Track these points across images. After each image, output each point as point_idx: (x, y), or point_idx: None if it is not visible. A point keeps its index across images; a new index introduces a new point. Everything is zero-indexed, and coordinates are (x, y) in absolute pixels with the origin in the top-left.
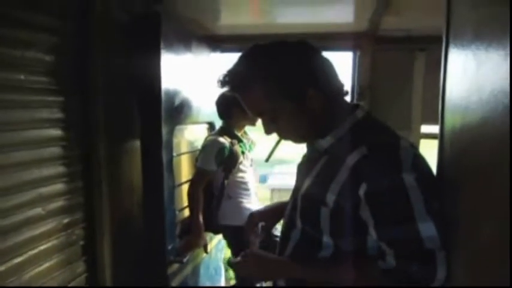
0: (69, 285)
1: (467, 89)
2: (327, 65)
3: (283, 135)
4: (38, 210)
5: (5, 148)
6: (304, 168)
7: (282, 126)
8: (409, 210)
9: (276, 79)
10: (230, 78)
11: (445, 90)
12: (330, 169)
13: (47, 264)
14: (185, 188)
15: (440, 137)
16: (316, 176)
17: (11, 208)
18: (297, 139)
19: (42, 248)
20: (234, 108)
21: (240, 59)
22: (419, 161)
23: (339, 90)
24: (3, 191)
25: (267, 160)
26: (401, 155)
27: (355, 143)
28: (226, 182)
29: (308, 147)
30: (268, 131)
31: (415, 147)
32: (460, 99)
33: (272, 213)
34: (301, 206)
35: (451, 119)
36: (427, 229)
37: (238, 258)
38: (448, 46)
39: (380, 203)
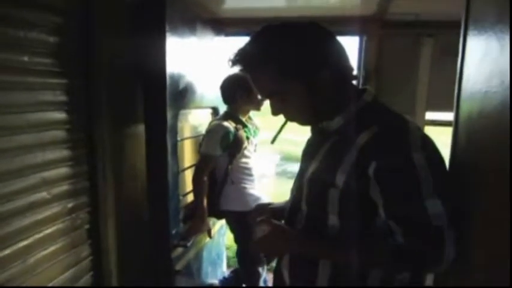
0: (74, 268)
1: (488, 73)
2: (338, 47)
3: (290, 117)
4: (42, 194)
5: (8, 131)
6: (309, 152)
7: (290, 107)
8: (417, 188)
9: (287, 59)
10: (241, 58)
11: (462, 76)
12: (339, 150)
13: (52, 248)
14: (188, 173)
15: (455, 122)
16: (324, 157)
17: (16, 192)
18: (304, 121)
19: (47, 231)
20: (238, 92)
21: (252, 38)
22: (428, 142)
23: (349, 73)
24: (7, 175)
25: (272, 142)
26: (410, 135)
27: (365, 123)
28: (230, 167)
29: (313, 131)
30: (275, 112)
31: (422, 130)
32: (479, 83)
33: (280, 212)
34: (307, 189)
35: (468, 104)
36: (434, 206)
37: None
38: (467, 30)
39: (389, 181)
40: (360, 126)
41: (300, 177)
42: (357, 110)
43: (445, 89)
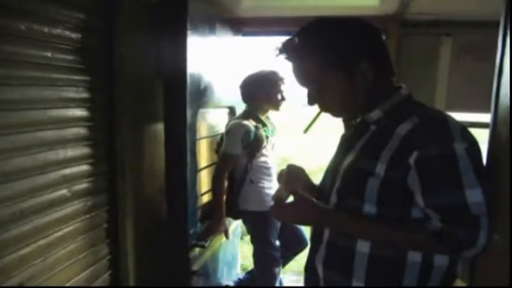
0: (93, 267)
1: None
2: (381, 43)
3: (327, 107)
4: (63, 192)
5: (31, 127)
6: (345, 145)
7: (328, 97)
8: (457, 178)
9: (332, 50)
10: (287, 47)
11: (501, 74)
12: (379, 139)
13: (71, 247)
14: (204, 173)
15: (494, 121)
16: (363, 148)
17: (38, 189)
18: (340, 112)
19: (67, 229)
20: (259, 92)
21: (302, 29)
22: (468, 133)
23: (389, 69)
24: (30, 171)
25: (305, 131)
26: (451, 125)
27: (405, 115)
28: (249, 166)
29: (347, 125)
30: (311, 102)
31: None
32: None
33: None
34: (342, 179)
35: (507, 103)
36: (474, 195)
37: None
38: (507, 27)
39: (429, 170)
40: (399, 117)
41: (332, 171)
42: (395, 103)
43: (464, 89)
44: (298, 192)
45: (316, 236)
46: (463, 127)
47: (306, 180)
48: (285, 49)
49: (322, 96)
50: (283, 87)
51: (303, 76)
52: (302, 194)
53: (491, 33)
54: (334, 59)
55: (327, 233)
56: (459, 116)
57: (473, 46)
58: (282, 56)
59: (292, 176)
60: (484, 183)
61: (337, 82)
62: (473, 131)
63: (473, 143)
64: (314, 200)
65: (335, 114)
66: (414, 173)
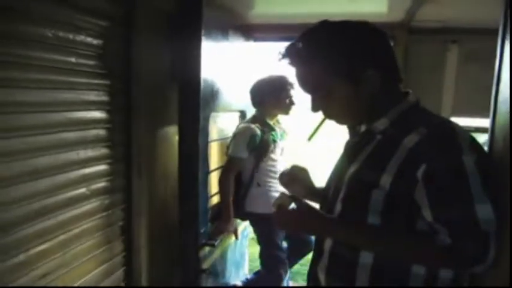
0: (107, 264)
1: None
2: (388, 48)
3: (331, 114)
4: (82, 190)
5: (54, 128)
6: (349, 154)
7: (333, 104)
8: (467, 192)
9: (335, 56)
10: (291, 52)
11: (499, 80)
12: (384, 150)
13: (88, 243)
14: (214, 174)
15: (492, 127)
16: (368, 158)
17: (59, 187)
18: (345, 119)
19: (84, 226)
20: (267, 96)
21: (305, 33)
22: (477, 144)
23: (396, 75)
24: (52, 170)
25: (309, 139)
26: (460, 137)
27: (412, 125)
28: (256, 169)
29: (352, 132)
30: (315, 109)
31: (468, 132)
32: None
33: (307, 184)
34: (346, 189)
35: (506, 110)
36: (484, 211)
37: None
38: (505, 34)
39: (438, 183)
40: (406, 127)
41: (336, 178)
42: (402, 111)
43: (470, 95)
44: (301, 200)
45: (318, 244)
46: (472, 138)
47: (308, 182)
48: (288, 54)
49: (326, 103)
50: (292, 92)
51: (306, 82)
52: (305, 202)
53: (497, 40)
54: (338, 65)
55: (329, 242)
56: (465, 122)
57: (480, 53)
58: (286, 61)
59: (294, 177)
60: (494, 196)
61: (342, 89)
62: (479, 136)
63: (483, 154)
64: (316, 209)
65: (339, 121)
66: (422, 187)
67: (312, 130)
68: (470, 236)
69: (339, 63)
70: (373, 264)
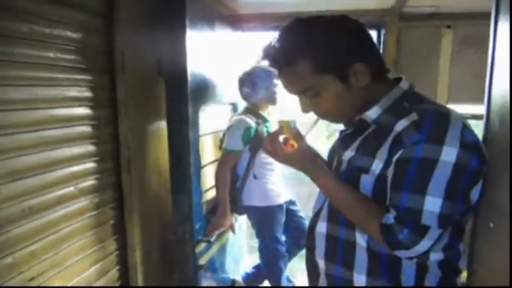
0: (101, 263)
1: None
2: (370, 40)
3: (323, 113)
4: (70, 189)
5: (35, 126)
6: (343, 142)
7: (323, 103)
8: (425, 183)
9: (318, 53)
10: (272, 53)
11: (493, 66)
12: (377, 137)
13: (80, 243)
14: (209, 168)
15: (487, 114)
16: (361, 146)
17: (45, 186)
18: (338, 117)
19: (75, 226)
20: (251, 88)
21: (282, 32)
22: (469, 138)
23: (382, 66)
24: (38, 169)
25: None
26: (451, 127)
27: (405, 111)
28: (252, 162)
29: (346, 124)
30: (306, 109)
31: (466, 122)
32: None
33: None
34: (339, 176)
35: (500, 96)
36: (432, 205)
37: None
38: (498, 16)
39: (404, 169)
40: (400, 113)
41: (329, 166)
42: (395, 97)
43: (466, 81)
44: (304, 138)
45: (310, 230)
46: (465, 126)
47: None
48: (267, 56)
49: (315, 104)
50: (276, 81)
51: (291, 83)
52: (308, 145)
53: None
54: (321, 63)
55: (321, 226)
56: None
57: (475, 38)
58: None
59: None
60: (460, 196)
61: (331, 86)
62: (475, 123)
63: (472, 148)
64: (314, 153)
65: (333, 119)
66: (391, 169)
67: (306, 131)
68: (409, 223)
69: (322, 60)
70: (368, 242)
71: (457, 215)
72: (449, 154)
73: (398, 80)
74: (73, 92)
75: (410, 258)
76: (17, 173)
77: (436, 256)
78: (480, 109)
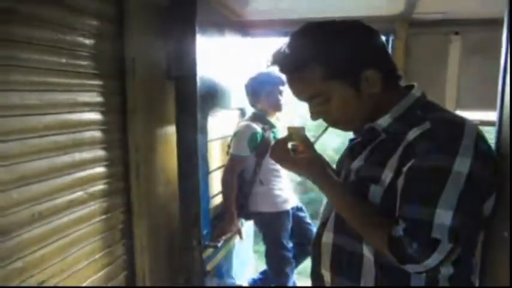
0: (108, 268)
1: None
2: (382, 45)
3: (333, 121)
4: (80, 194)
5: (46, 131)
6: (353, 150)
7: (333, 110)
8: (436, 195)
9: (329, 59)
10: (281, 59)
11: (506, 72)
12: (388, 146)
13: (88, 247)
14: (216, 174)
15: (499, 122)
16: (370, 155)
17: (55, 190)
18: (349, 124)
19: (84, 230)
20: (258, 93)
21: (292, 38)
22: (483, 149)
23: (394, 72)
24: (48, 174)
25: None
26: (464, 136)
27: (417, 119)
28: (258, 168)
29: (355, 132)
30: (315, 117)
31: (480, 133)
32: None
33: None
34: (348, 185)
35: None
36: (443, 217)
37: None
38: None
39: (415, 179)
40: (411, 122)
41: (338, 174)
42: (408, 105)
43: (474, 88)
44: (313, 146)
45: (316, 240)
46: (479, 136)
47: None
48: (276, 61)
49: (325, 111)
50: (281, 87)
51: (300, 90)
52: (317, 152)
53: (500, 31)
54: (332, 69)
55: (327, 236)
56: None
57: (483, 44)
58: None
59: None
60: (473, 208)
61: (341, 93)
62: (484, 129)
63: (486, 159)
64: (321, 160)
65: (343, 127)
66: (402, 179)
67: (314, 139)
68: (419, 236)
69: (333, 66)
70: (375, 254)
71: (470, 228)
72: (462, 165)
73: (410, 87)
74: (83, 97)
75: (419, 272)
76: (27, 177)
77: (446, 270)
78: (489, 115)
